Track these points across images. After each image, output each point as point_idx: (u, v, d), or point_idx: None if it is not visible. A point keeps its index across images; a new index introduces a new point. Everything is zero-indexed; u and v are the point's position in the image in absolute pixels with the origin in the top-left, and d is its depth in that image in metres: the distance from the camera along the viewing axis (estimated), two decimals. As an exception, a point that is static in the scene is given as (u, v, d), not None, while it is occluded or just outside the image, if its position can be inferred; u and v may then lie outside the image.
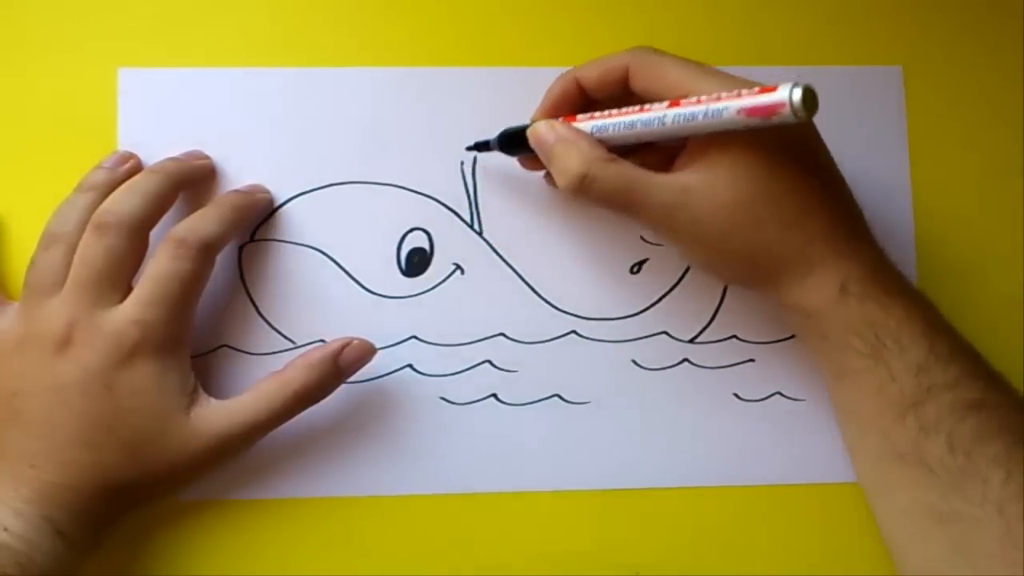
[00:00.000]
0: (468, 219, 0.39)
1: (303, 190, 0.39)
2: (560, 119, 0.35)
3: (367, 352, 0.36)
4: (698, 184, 0.32)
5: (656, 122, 0.32)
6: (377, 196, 0.39)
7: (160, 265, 0.34)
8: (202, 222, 0.35)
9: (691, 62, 0.33)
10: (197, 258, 0.34)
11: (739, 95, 0.30)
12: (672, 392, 0.39)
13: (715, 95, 0.30)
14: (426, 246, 0.39)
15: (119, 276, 0.34)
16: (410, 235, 0.39)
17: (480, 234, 0.39)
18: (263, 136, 0.39)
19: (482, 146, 0.38)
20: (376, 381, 0.38)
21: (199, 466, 0.35)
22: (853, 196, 0.35)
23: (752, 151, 0.32)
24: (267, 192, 0.38)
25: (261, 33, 0.39)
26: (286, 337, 0.38)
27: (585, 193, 0.33)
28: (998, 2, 0.41)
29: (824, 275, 0.32)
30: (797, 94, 0.28)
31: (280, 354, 0.38)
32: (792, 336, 0.39)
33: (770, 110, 0.29)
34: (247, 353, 0.38)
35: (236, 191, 0.38)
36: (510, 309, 0.39)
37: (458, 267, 0.39)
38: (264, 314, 0.38)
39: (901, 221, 0.40)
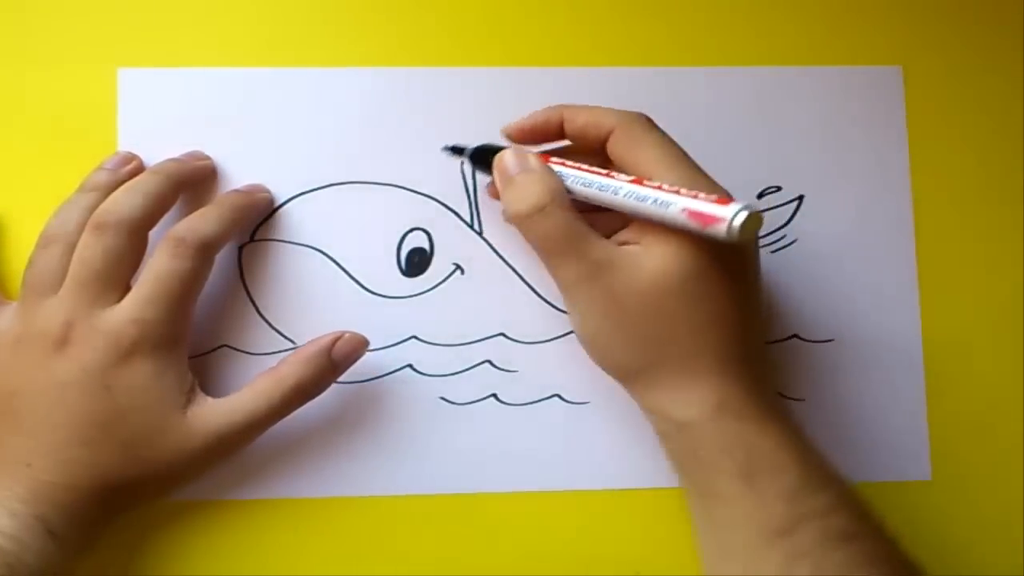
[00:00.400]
0: (468, 219, 0.39)
1: (303, 190, 0.39)
2: (535, 151, 0.35)
3: (360, 345, 0.36)
4: (631, 257, 0.32)
5: (610, 190, 0.32)
6: (377, 196, 0.39)
7: (159, 264, 0.34)
8: (202, 222, 0.35)
9: (674, 148, 0.33)
10: (196, 257, 0.34)
11: (695, 196, 0.30)
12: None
13: (675, 188, 0.31)
14: (426, 246, 0.39)
15: (117, 276, 0.34)
16: (410, 235, 0.39)
17: (480, 234, 0.39)
18: (263, 136, 0.39)
19: (458, 150, 0.38)
20: (376, 381, 0.38)
21: (197, 465, 0.35)
22: (760, 313, 0.35)
23: (690, 246, 0.32)
24: (267, 192, 0.38)
25: (261, 33, 0.39)
26: (286, 337, 0.38)
27: (534, 224, 0.33)
28: (998, 2, 0.41)
29: (705, 388, 0.32)
30: (741, 218, 0.29)
31: (280, 354, 0.38)
32: (790, 336, 0.39)
33: (708, 220, 0.29)
34: (247, 353, 0.38)
35: (236, 191, 0.38)
36: (510, 309, 0.39)
37: (458, 267, 0.39)
38: (264, 314, 0.38)
39: (901, 221, 0.40)
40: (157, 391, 0.34)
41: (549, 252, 0.33)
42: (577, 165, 0.34)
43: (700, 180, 0.32)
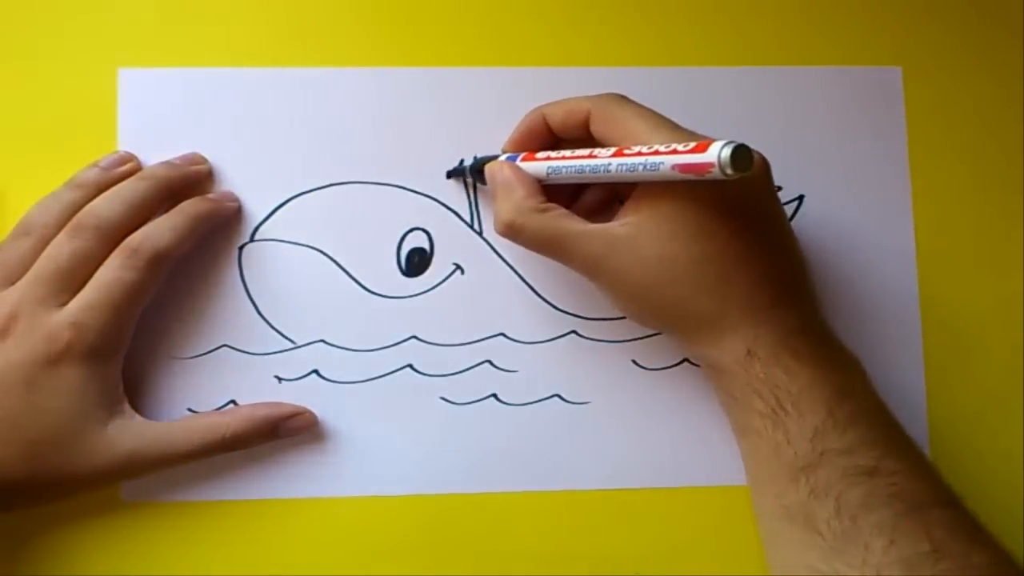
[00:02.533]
0: (468, 219, 0.39)
1: (303, 190, 0.39)
2: (520, 156, 0.36)
3: (310, 425, 0.37)
4: (626, 236, 0.33)
5: (602, 169, 0.32)
6: (377, 196, 0.39)
7: (108, 272, 0.34)
8: (158, 231, 0.35)
9: (652, 114, 0.34)
10: (145, 269, 0.35)
11: (674, 151, 0.30)
12: (672, 392, 0.39)
13: (653, 149, 0.31)
14: (426, 246, 0.39)
15: (78, 277, 0.34)
16: (410, 235, 0.39)
17: (480, 234, 0.39)
18: (263, 136, 0.39)
19: (457, 172, 0.38)
20: (376, 381, 0.38)
21: (101, 478, 0.35)
22: (793, 254, 0.35)
23: (686, 208, 0.32)
24: (236, 200, 0.38)
25: (261, 33, 0.39)
26: (286, 337, 0.38)
27: (515, 239, 0.35)
28: (998, 3, 0.41)
29: (734, 339, 0.33)
30: (726, 153, 0.29)
31: (280, 354, 0.38)
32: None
33: (701, 168, 0.29)
34: (247, 353, 0.38)
35: (202, 198, 0.37)
36: (510, 309, 0.39)
37: (458, 267, 0.39)
38: (264, 314, 0.38)
39: (901, 221, 0.40)
40: (78, 399, 0.34)
41: (543, 254, 0.35)
42: (561, 155, 0.34)
43: (683, 136, 0.32)
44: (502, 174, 0.35)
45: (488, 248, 0.39)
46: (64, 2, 0.39)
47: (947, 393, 0.39)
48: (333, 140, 0.39)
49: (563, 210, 0.34)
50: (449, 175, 0.39)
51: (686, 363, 0.39)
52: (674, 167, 0.30)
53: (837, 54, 0.40)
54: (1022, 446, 0.39)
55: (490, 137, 0.38)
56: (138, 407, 0.36)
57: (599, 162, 0.33)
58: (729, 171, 0.29)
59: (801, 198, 0.40)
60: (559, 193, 0.36)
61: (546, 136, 0.37)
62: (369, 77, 0.39)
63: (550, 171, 0.35)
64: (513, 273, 0.39)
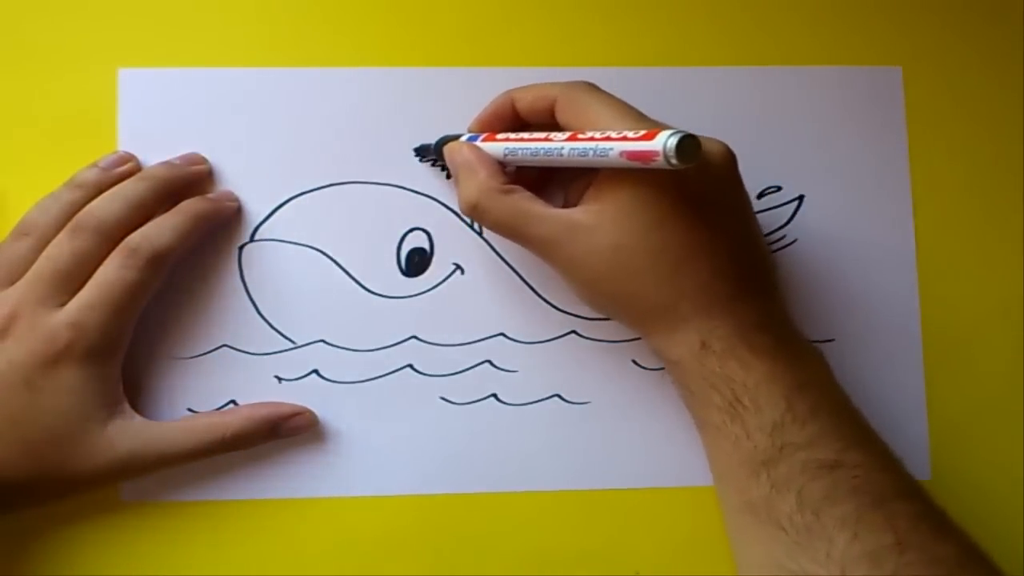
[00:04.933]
0: (468, 219, 0.39)
1: (303, 190, 0.39)
2: (481, 136, 0.36)
3: (311, 424, 0.37)
4: (584, 223, 0.33)
5: (555, 152, 0.32)
6: (377, 196, 0.39)
7: (107, 272, 0.34)
8: (157, 231, 0.35)
9: (618, 104, 0.33)
10: (145, 268, 0.35)
11: (623, 138, 0.30)
12: (672, 392, 0.39)
13: (605, 135, 0.31)
14: (426, 246, 0.39)
15: (77, 278, 0.34)
16: (410, 235, 0.39)
17: (480, 234, 0.39)
18: (263, 136, 0.39)
19: (423, 151, 0.38)
20: (376, 381, 0.38)
21: (101, 478, 0.35)
22: (755, 248, 0.34)
23: (646, 197, 0.32)
24: (236, 200, 0.38)
25: (261, 33, 0.39)
26: (286, 337, 0.38)
27: (479, 220, 0.35)
28: (998, 2, 0.41)
29: (687, 331, 0.33)
30: (672, 143, 0.28)
31: (280, 354, 0.38)
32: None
33: (646, 156, 0.29)
34: (247, 353, 0.38)
35: (202, 198, 0.37)
36: (510, 309, 0.39)
37: (458, 267, 0.39)
38: (264, 314, 0.38)
39: (901, 221, 0.40)
40: (78, 398, 0.34)
41: (503, 236, 0.35)
42: (520, 136, 0.34)
43: (645, 126, 0.32)
44: (461, 155, 0.35)
45: (488, 248, 0.39)
46: (64, 2, 0.39)
47: (947, 393, 0.39)
48: (333, 140, 0.39)
49: (526, 192, 0.34)
50: (416, 152, 0.39)
51: (686, 363, 0.39)
52: (622, 154, 0.30)
53: (837, 54, 0.40)
54: (1022, 446, 0.39)
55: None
56: (138, 407, 0.36)
57: (553, 145, 0.33)
58: (674, 160, 0.28)
59: (801, 198, 0.40)
60: (526, 179, 0.36)
61: (513, 120, 0.37)
62: (370, 77, 0.39)
63: (507, 152, 0.35)
64: (513, 273, 0.39)
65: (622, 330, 0.39)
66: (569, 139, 0.32)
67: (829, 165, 0.40)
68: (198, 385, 0.38)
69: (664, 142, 0.28)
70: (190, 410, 0.37)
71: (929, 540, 0.30)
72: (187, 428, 0.36)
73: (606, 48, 0.40)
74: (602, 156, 0.31)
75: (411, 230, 0.39)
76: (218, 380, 0.38)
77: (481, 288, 0.39)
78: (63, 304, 0.34)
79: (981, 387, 0.40)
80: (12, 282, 0.34)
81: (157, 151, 0.38)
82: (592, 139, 0.31)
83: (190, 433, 0.36)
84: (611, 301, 0.34)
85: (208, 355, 0.38)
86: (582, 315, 0.39)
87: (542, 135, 0.33)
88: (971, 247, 0.40)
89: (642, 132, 0.30)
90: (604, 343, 0.39)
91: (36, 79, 0.38)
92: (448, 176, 0.39)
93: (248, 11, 0.39)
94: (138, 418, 0.35)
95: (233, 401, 0.38)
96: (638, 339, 0.39)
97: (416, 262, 0.39)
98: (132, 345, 0.36)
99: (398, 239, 0.39)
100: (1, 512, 0.35)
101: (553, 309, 0.39)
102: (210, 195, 0.38)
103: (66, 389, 0.34)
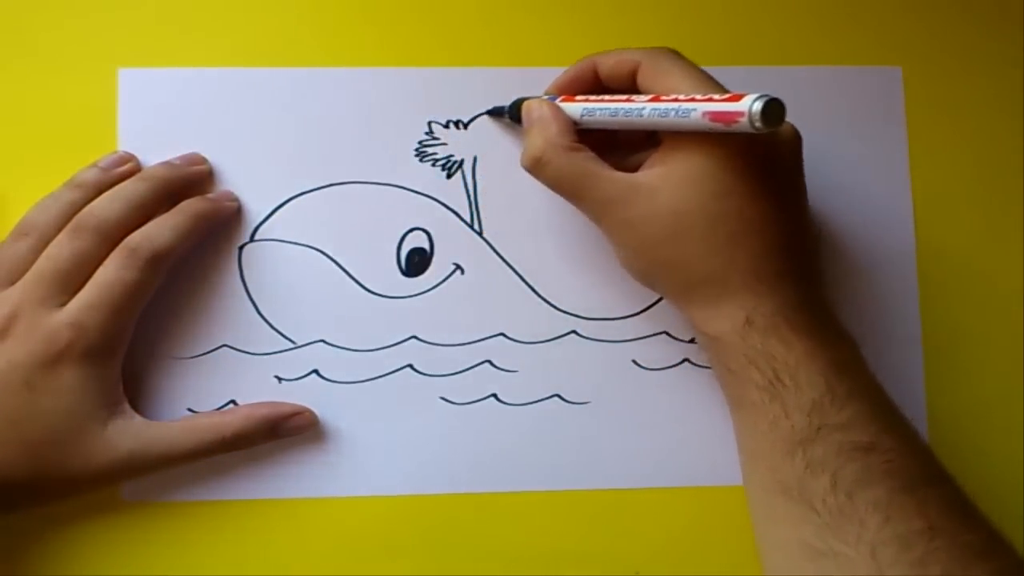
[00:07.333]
0: (468, 219, 0.39)
1: (303, 190, 0.39)
2: (560, 97, 0.36)
3: (311, 424, 0.37)
4: (647, 186, 0.33)
5: (635, 113, 0.32)
6: (377, 196, 0.39)
7: (107, 272, 0.34)
8: (157, 231, 0.35)
9: (700, 72, 0.33)
10: (145, 269, 0.35)
11: (709, 99, 0.30)
12: (672, 392, 0.39)
13: (689, 96, 0.31)
14: (426, 246, 0.39)
15: (77, 278, 0.34)
16: (410, 235, 0.39)
17: (480, 234, 0.39)
18: (263, 136, 0.39)
19: (497, 111, 0.39)
20: (376, 381, 0.38)
21: (101, 478, 0.35)
22: (807, 228, 0.34)
23: (711, 164, 0.32)
24: (236, 200, 0.38)
25: (261, 33, 0.39)
26: (286, 337, 0.38)
27: (538, 174, 0.35)
28: (998, 2, 0.41)
29: (733, 305, 0.33)
30: (758, 105, 0.29)
31: (280, 354, 0.38)
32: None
33: (730, 117, 0.29)
34: (247, 353, 0.38)
35: (202, 198, 0.37)
36: (510, 309, 0.39)
37: (458, 267, 0.39)
38: (264, 314, 0.38)
39: (901, 221, 0.40)
40: (78, 399, 0.34)
41: (561, 194, 0.35)
42: (600, 98, 0.34)
43: (722, 91, 0.32)
44: (540, 110, 0.35)
45: (488, 248, 0.39)
46: (64, 2, 0.39)
47: (947, 393, 0.39)
48: (333, 140, 0.39)
49: (591, 153, 0.34)
50: (490, 113, 0.39)
51: (686, 363, 0.39)
52: (704, 114, 0.30)
53: (837, 54, 0.40)
54: (1022, 446, 0.39)
55: (490, 136, 0.38)
56: (138, 407, 0.36)
57: (633, 105, 0.33)
58: (758, 123, 0.29)
59: (801, 198, 0.40)
60: (596, 143, 0.35)
61: (593, 84, 0.36)
62: (370, 77, 0.39)
63: (584, 113, 0.35)
64: (513, 273, 0.39)
65: (622, 330, 0.39)
66: (652, 100, 0.32)
67: (829, 165, 0.40)
68: (198, 385, 0.38)
69: (751, 103, 0.29)
70: (190, 410, 0.37)
71: (958, 527, 0.30)
72: (187, 428, 0.36)
73: (606, 48, 0.40)
74: (683, 117, 0.31)
75: (411, 230, 0.39)
76: (218, 380, 0.38)
77: (481, 288, 0.39)
78: (63, 304, 0.34)
79: (981, 387, 0.40)
80: (12, 282, 0.34)
81: (157, 151, 0.38)
82: (676, 100, 0.31)
83: (190, 433, 0.36)
84: (660, 267, 0.34)
85: (208, 355, 0.38)
86: (582, 315, 0.39)
87: (623, 96, 0.34)
88: (971, 247, 0.40)
89: (727, 95, 0.30)
90: (604, 343, 0.39)
91: (36, 79, 0.38)
92: (448, 176, 0.39)
93: (248, 11, 0.39)
94: (138, 418, 0.35)
95: (233, 401, 0.38)
96: (638, 339, 0.39)
97: (416, 262, 0.39)
98: (132, 345, 0.36)
99: (398, 239, 0.39)
100: (2, 512, 0.35)
101: (553, 309, 0.39)
102: (210, 195, 0.38)
103: (66, 389, 0.34)
